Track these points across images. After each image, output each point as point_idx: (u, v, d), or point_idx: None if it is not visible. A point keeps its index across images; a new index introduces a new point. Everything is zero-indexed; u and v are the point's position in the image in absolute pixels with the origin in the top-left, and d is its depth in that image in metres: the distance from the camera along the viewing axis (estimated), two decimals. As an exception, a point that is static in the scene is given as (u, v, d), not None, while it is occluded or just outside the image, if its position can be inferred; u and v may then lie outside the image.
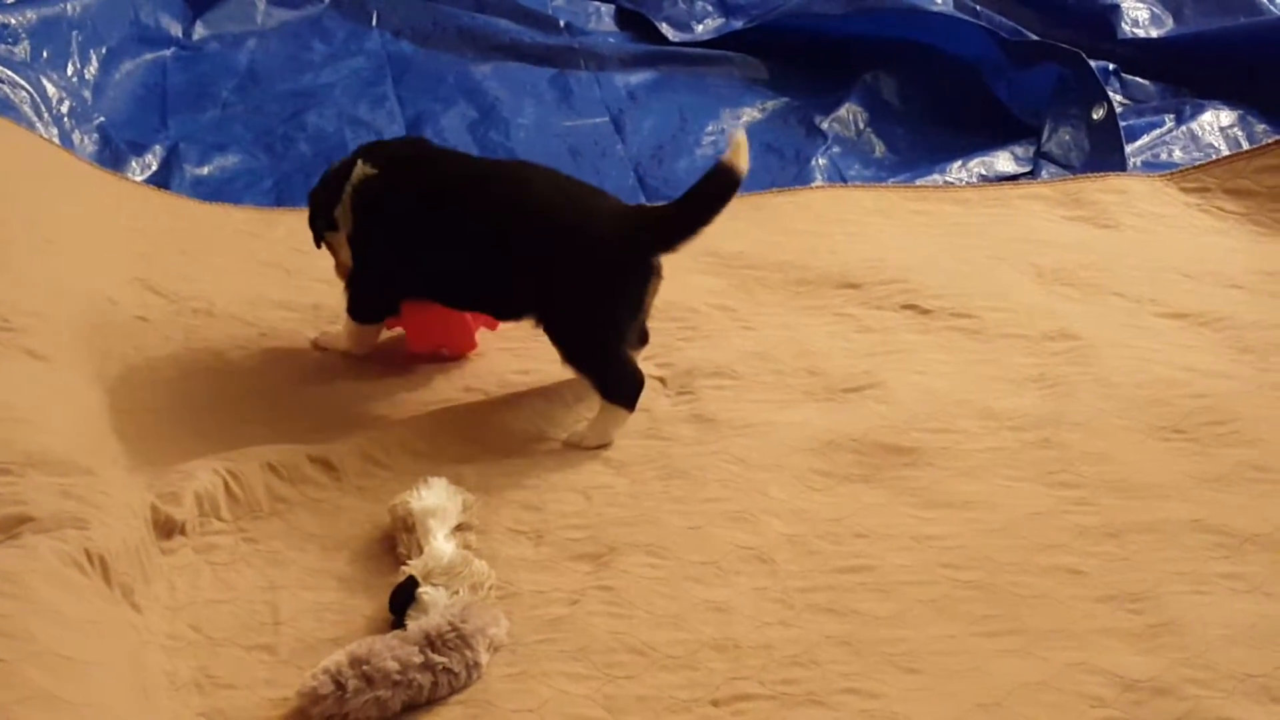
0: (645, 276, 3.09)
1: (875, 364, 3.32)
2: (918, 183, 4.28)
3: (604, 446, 3.04)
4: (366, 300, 3.27)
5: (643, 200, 4.15)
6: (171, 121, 4.37)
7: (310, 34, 4.84)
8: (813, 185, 4.27)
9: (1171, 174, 4.34)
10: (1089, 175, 4.33)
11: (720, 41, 4.96)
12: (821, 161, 4.38)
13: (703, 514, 2.80)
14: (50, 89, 4.06)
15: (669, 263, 3.65)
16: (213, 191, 4.06)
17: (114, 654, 2.27)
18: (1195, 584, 2.61)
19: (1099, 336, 3.41)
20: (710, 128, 4.52)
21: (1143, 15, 5.01)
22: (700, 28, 5.07)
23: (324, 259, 3.65)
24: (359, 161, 3.19)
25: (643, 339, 3.26)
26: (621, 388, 3.09)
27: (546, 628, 2.51)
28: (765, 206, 4.10)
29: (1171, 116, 4.61)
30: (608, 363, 3.09)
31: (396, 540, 2.70)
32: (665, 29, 5.01)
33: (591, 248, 3.06)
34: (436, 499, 2.70)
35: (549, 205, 3.10)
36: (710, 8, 5.15)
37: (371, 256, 3.22)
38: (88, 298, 3.31)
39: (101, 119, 4.17)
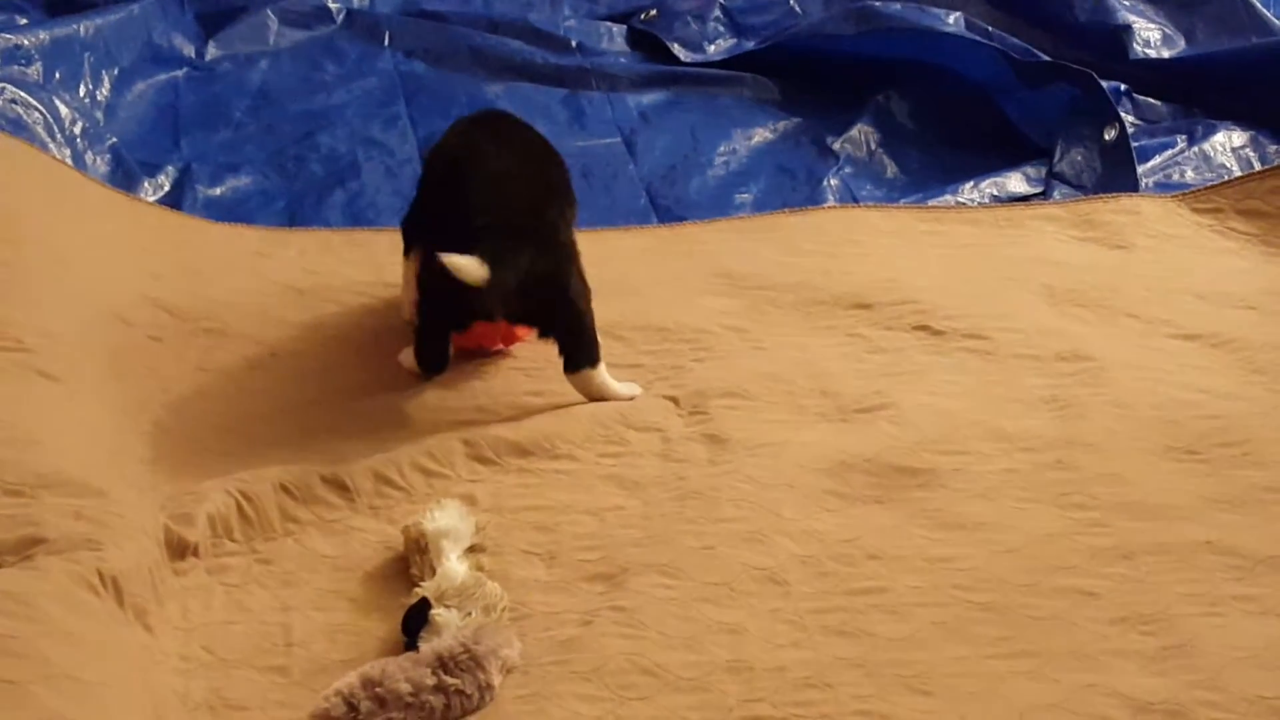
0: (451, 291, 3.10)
1: (887, 385, 3.31)
2: (930, 203, 4.28)
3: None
4: None
5: (654, 221, 4.15)
6: (184, 142, 4.37)
7: (322, 54, 4.84)
8: (824, 206, 4.26)
9: (1184, 195, 4.34)
10: (1101, 196, 4.32)
11: (732, 62, 4.95)
12: (833, 182, 4.37)
13: (716, 534, 2.79)
14: (63, 110, 4.07)
15: (680, 285, 3.68)
16: (225, 212, 4.06)
17: (126, 675, 2.27)
18: (1208, 606, 2.61)
19: (1111, 358, 3.41)
20: (722, 148, 4.51)
21: (1154, 36, 5.01)
22: (712, 48, 5.06)
23: (336, 279, 3.67)
24: None
25: (569, 362, 3.24)
26: (415, 349, 3.30)
27: (559, 649, 2.51)
28: (777, 227, 4.10)
29: (1183, 137, 4.60)
30: (416, 327, 3.29)
31: (409, 562, 2.70)
32: (677, 49, 5.00)
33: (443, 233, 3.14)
34: (449, 520, 2.70)
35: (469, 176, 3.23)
36: (722, 28, 5.14)
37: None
38: (100, 318, 3.32)
39: (114, 139, 4.16)
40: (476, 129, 3.51)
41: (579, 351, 3.22)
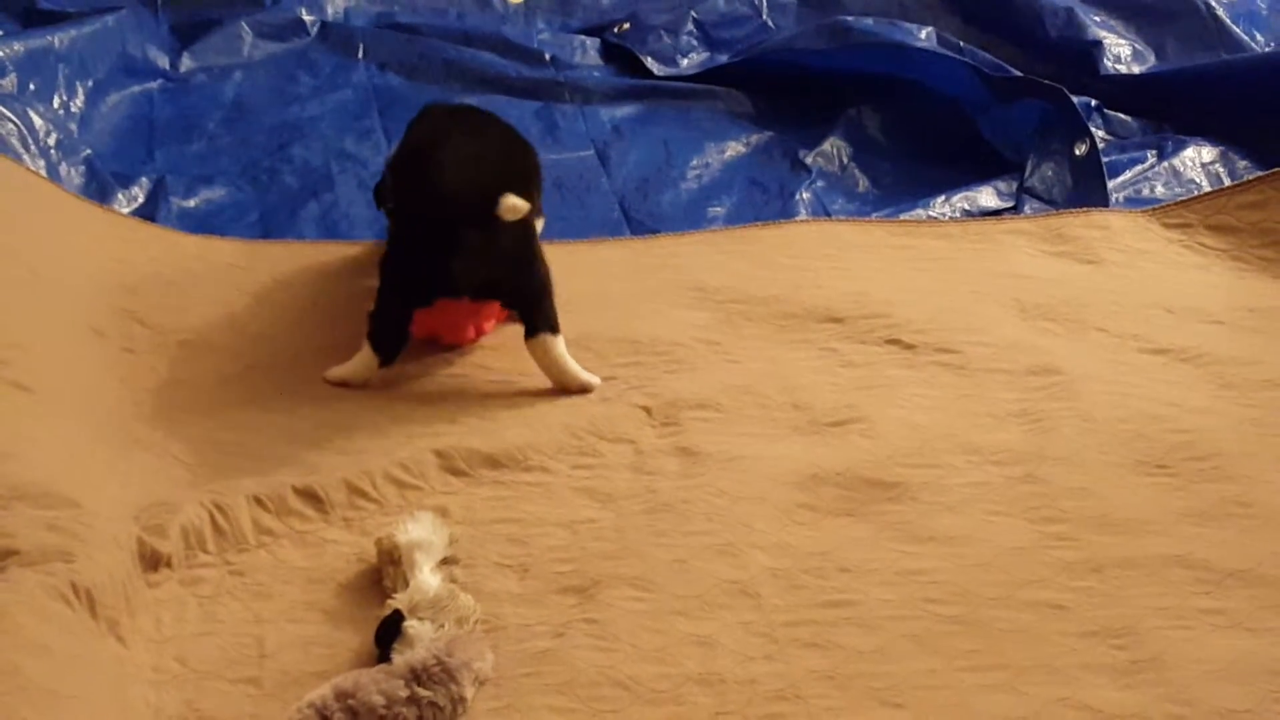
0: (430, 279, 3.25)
1: (859, 398, 3.32)
2: (901, 217, 4.29)
3: (350, 383, 3.33)
4: None
5: (627, 234, 4.16)
6: (158, 154, 4.37)
7: (297, 67, 4.84)
8: (797, 219, 4.28)
9: (1154, 210, 4.36)
10: (1072, 211, 4.34)
11: (705, 76, 4.97)
12: (805, 195, 4.39)
13: (687, 547, 2.80)
14: (37, 121, 4.06)
15: (653, 298, 3.69)
16: (199, 224, 4.06)
17: (99, 688, 2.27)
18: (1177, 620, 2.63)
19: (1081, 372, 3.43)
20: (695, 161, 4.52)
21: (1125, 51, 5.04)
22: (685, 62, 5.07)
23: (309, 291, 3.66)
24: None
25: (530, 328, 3.32)
26: (372, 332, 3.31)
27: (531, 661, 2.51)
28: (749, 240, 4.11)
29: (1154, 152, 4.62)
30: (375, 309, 3.32)
31: (382, 574, 2.70)
32: (650, 63, 5.01)
33: (416, 212, 3.30)
34: (422, 532, 2.70)
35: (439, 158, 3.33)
36: (695, 42, 5.16)
37: None
38: (73, 329, 3.31)
39: (88, 151, 4.16)
40: (447, 117, 3.69)
41: (538, 318, 3.31)
